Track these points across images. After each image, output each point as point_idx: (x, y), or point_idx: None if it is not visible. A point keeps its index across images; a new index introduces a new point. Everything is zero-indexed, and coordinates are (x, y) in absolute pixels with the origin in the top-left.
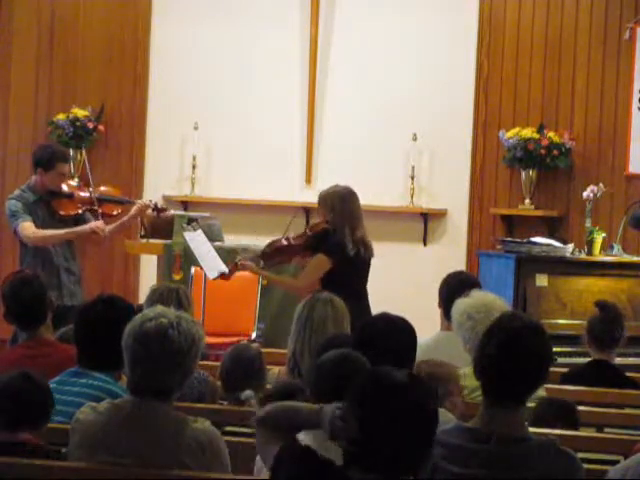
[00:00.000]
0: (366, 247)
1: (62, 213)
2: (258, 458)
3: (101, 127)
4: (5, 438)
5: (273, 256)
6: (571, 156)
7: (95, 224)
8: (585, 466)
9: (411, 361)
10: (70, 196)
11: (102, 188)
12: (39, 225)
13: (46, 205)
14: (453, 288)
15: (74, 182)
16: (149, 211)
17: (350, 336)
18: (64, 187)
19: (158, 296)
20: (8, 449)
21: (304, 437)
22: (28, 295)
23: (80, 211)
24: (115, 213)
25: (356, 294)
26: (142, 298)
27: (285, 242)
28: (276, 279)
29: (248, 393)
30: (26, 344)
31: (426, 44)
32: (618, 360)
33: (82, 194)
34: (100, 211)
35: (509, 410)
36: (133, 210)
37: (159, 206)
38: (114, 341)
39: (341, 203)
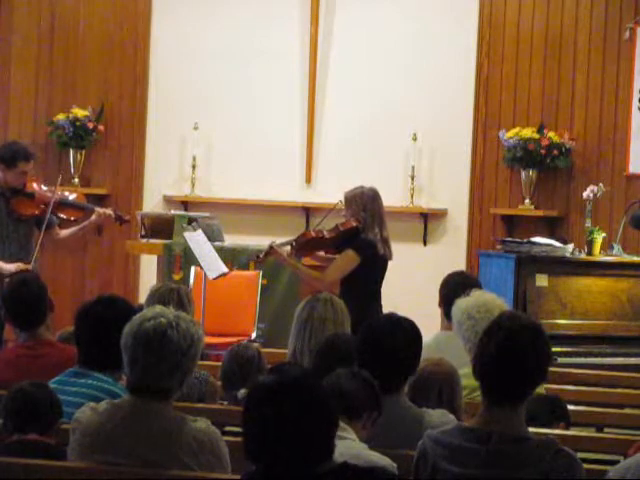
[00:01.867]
0: (389, 248)
1: (20, 212)
2: None
3: (101, 127)
4: (14, 439)
5: (305, 247)
6: (571, 156)
7: (17, 267)
8: (585, 466)
9: (414, 361)
10: (31, 196)
11: (66, 193)
12: None
13: (6, 202)
14: (453, 288)
15: (37, 183)
16: (110, 220)
17: (349, 336)
18: (27, 186)
19: (159, 296)
20: (17, 447)
21: None
22: (27, 295)
23: (37, 212)
24: (73, 218)
25: (373, 294)
26: (142, 298)
27: (319, 234)
28: (304, 271)
29: (245, 392)
30: (26, 344)
31: (426, 44)
32: (619, 360)
33: (43, 196)
34: (60, 214)
35: (509, 410)
36: (93, 217)
37: (122, 216)
38: (114, 341)
39: (372, 203)
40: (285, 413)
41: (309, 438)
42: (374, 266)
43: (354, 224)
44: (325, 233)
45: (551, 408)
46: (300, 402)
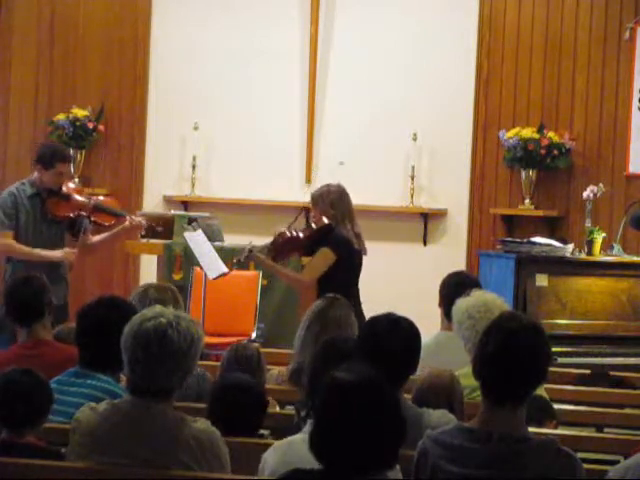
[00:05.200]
0: (363, 243)
1: (55, 214)
2: (264, 457)
3: (101, 127)
4: (10, 439)
5: (283, 248)
6: (571, 156)
7: (66, 254)
8: (585, 466)
9: (414, 361)
10: (66, 198)
11: (100, 198)
12: (27, 223)
13: (41, 202)
14: (453, 288)
15: (74, 185)
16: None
17: (349, 336)
18: (63, 188)
19: (151, 298)
20: (12, 450)
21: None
22: (26, 293)
23: (72, 214)
24: (107, 224)
25: (352, 290)
26: None
27: (294, 234)
28: (283, 272)
29: None
30: (25, 344)
31: (426, 44)
32: (619, 360)
33: (79, 199)
34: (93, 219)
35: (509, 410)
36: (126, 223)
37: (154, 226)
38: (114, 342)
39: (339, 200)
40: (363, 412)
41: (381, 442)
42: (351, 262)
43: (327, 222)
44: (300, 233)
45: (538, 406)
46: (381, 404)
